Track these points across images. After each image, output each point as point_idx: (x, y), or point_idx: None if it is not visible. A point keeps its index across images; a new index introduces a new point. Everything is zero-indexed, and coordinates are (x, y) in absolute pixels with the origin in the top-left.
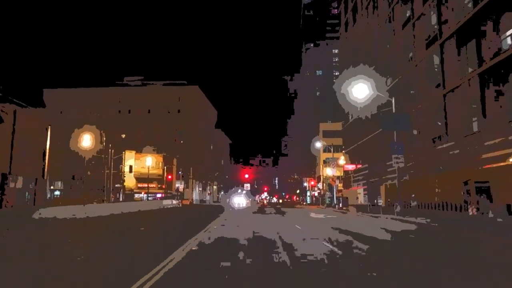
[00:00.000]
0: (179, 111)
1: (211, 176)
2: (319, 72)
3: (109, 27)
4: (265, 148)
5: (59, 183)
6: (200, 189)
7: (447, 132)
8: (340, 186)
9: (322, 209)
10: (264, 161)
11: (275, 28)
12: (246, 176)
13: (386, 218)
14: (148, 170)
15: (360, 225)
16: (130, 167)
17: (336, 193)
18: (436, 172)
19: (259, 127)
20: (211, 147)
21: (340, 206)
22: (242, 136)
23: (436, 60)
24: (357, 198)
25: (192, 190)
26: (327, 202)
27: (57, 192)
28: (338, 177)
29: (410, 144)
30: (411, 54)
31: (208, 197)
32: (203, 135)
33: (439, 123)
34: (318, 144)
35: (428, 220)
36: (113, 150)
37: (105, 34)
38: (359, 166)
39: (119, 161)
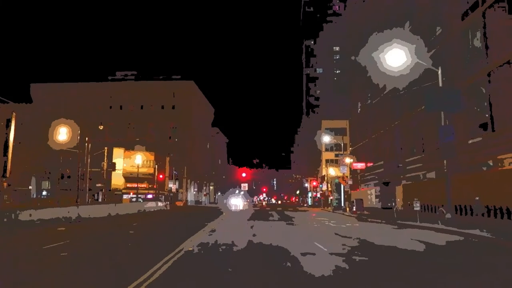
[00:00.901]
0: (173, 107)
1: (207, 176)
2: (319, 70)
3: (101, 21)
4: (265, 149)
5: (47, 183)
6: (196, 189)
7: None
8: (343, 187)
9: (330, 213)
10: (261, 163)
11: (274, 24)
12: (244, 175)
13: (432, 229)
14: (138, 169)
15: (412, 243)
16: (114, 164)
17: (344, 194)
18: (488, 167)
19: (259, 126)
20: (208, 145)
21: (354, 210)
22: (240, 136)
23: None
24: (368, 200)
25: (187, 191)
26: (334, 204)
27: (44, 193)
28: (346, 176)
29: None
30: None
31: (204, 198)
32: (199, 133)
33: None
34: (326, 138)
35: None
36: (89, 144)
37: (97, 28)
38: (370, 164)
39: (106, 158)
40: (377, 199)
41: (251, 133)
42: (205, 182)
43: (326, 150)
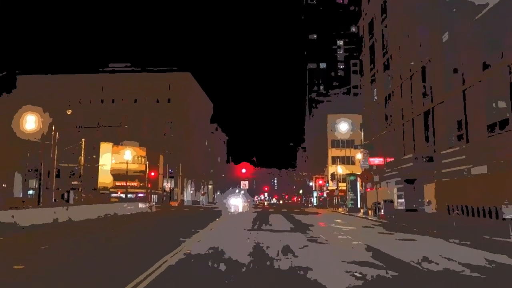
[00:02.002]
0: (169, 100)
1: (205, 174)
2: (322, 65)
3: (93, 9)
4: (266, 147)
5: (34, 181)
6: (193, 189)
7: None
8: (359, 185)
9: (348, 217)
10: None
11: (275, 17)
12: (243, 171)
13: None
14: (127, 166)
15: None
16: (95, 158)
17: (360, 194)
18: None
19: (260, 124)
20: (206, 142)
21: (382, 213)
22: (240, 134)
23: None
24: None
25: (184, 190)
26: (349, 205)
27: (31, 192)
28: (368, 173)
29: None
30: None
31: (202, 198)
32: (197, 128)
33: None
34: (344, 126)
35: None
36: (57, 134)
37: (90, 18)
38: (390, 159)
39: (84, 151)
40: (399, 200)
41: (251, 131)
42: (203, 180)
43: (333, 147)
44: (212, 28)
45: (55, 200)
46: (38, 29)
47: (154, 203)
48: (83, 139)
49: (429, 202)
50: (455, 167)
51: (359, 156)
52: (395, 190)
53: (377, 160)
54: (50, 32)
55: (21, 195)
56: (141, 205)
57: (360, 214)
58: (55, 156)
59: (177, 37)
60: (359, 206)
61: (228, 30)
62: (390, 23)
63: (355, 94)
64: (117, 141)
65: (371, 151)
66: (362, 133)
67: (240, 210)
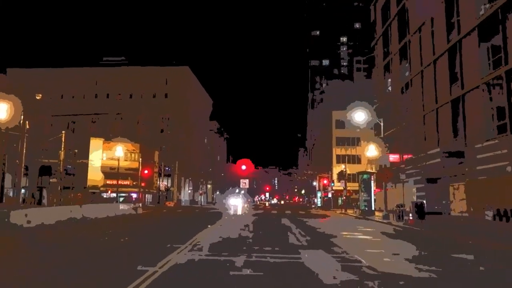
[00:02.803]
0: (166, 95)
1: (204, 173)
2: (325, 62)
3: (88, 2)
4: (267, 147)
5: (25, 179)
6: (191, 188)
7: None
8: (373, 185)
9: (365, 222)
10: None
11: (277, 13)
12: (243, 167)
13: None
14: (118, 163)
15: None
16: (86, 155)
17: (373, 194)
18: None
19: (261, 123)
20: (205, 140)
21: (410, 218)
22: (241, 133)
23: None
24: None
25: (181, 189)
26: (363, 207)
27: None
28: (388, 171)
29: None
30: None
31: (200, 198)
32: (195, 125)
33: None
34: (360, 116)
35: None
36: (27, 123)
37: (84, 10)
38: (407, 156)
39: (64, 145)
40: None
41: (252, 130)
42: (201, 180)
43: (338, 145)
44: (213, 23)
45: (23, 200)
46: (30, 22)
47: (140, 205)
48: (63, 132)
49: (454, 204)
50: (493, 163)
51: (370, 153)
52: (414, 190)
53: (392, 157)
54: (43, 25)
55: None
56: (123, 206)
57: (377, 217)
58: (24, 149)
59: (176, 32)
60: (373, 208)
61: (229, 25)
62: (410, 2)
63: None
64: (112, 138)
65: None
66: (382, 124)
67: (239, 212)
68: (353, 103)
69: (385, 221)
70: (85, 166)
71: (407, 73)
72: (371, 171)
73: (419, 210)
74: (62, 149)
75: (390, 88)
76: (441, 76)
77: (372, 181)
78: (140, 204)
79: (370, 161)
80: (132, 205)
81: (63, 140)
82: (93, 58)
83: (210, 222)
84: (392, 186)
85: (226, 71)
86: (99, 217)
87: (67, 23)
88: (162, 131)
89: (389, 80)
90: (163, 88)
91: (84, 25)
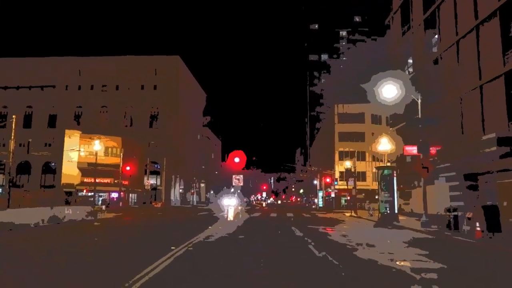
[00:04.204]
0: (155, 87)
1: (197, 171)
2: (324, 57)
3: None
4: (263, 145)
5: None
6: (182, 187)
7: None
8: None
9: (401, 232)
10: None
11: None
12: (237, 160)
13: None
14: (96, 158)
15: None
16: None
17: (396, 194)
18: None
19: (256, 121)
20: (198, 136)
21: (477, 228)
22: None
23: None
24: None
25: (173, 188)
26: (383, 210)
27: None
28: (428, 162)
29: None
30: None
31: (192, 197)
32: (187, 120)
33: None
34: (391, 90)
35: None
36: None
37: None
38: (436, 148)
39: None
40: (453, 203)
41: (248, 127)
42: (194, 178)
43: (341, 140)
44: (209, 16)
45: None
46: (8, 8)
47: (104, 207)
48: (14, 116)
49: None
50: None
51: (382, 147)
52: (446, 189)
53: (414, 149)
54: (22, 12)
55: None
56: (69, 210)
57: (410, 224)
58: None
59: (168, 23)
60: (396, 211)
61: (225, 18)
62: None
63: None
64: (98, 133)
65: (404, 138)
66: (419, 101)
67: (231, 218)
68: (380, 74)
69: (424, 229)
70: (59, 162)
71: (434, 49)
72: (390, 165)
73: (492, 216)
74: (12, 138)
75: (411, 69)
76: (487, 44)
77: (394, 178)
78: (104, 207)
79: (377, 156)
80: (90, 208)
81: (13, 127)
82: (76, 47)
83: (189, 235)
84: (413, 185)
85: (221, 65)
86: (32, 224)
87: (48, 9)
88: (151, 125)
89: (410, 59)
90: (152, 79)
91: (67, 12)
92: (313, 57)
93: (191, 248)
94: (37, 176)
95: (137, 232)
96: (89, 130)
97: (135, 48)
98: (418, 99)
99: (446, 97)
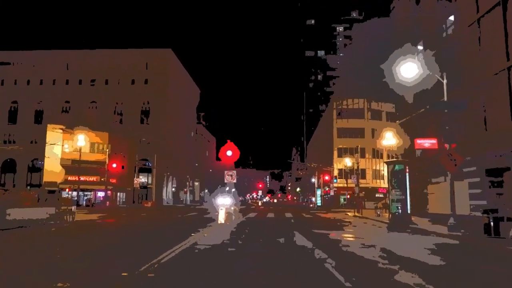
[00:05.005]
0: (146, 81)
1: (190, 169)
2: (320, 53)
3: None
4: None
5: None
6: (175, 186)
7: None
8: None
9: (428, 239)
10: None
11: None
12: (229, 153)
13: None
14: (80, 154)
15: None
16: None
17: (409, 192)
18: None
19: (252, 119)
20: (192, 133)
21: None
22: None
23: None
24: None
25: (163, 187)
26: (394, 210)
27: None
28: (456, 154)
29: None
30: None
31: (185, 196)
32: (180, 116)
33: None
34: (412, 69)
35: None
36: None
37: None
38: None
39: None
40: (472, 202)
41: (243, 125)
42: (187, 176)
43: (340, 136)
44: (204, 11)
45: None
46: None
47: (74, 207)
48: None
49: None
50: None
51: (386, 142)
52: (465, 187)
53: (428, 143)
54: (8, 3)
55: None
56: (19, 212)
57: (430, 226)
58: None
59: (163, 20)
60: (408, 211)
61: (220, 15)
62: None
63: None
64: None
65: (410, 132)
66: (445, 81)
67: (222, 221)
68: (400, 50)
69: (453, 233)
70: (37, 158)
71: (450, 30)
72: (401, 160)
73: None
74: None
75: (420, 47)
76: None
77: (407, 174)
78: (74, 207)
79: (381, 152)
80: (53, 209)
81: None
82: (64, 40)
83: (162, 248)
84: (429, 181)
85: (216, 62)
86: None
87: (35, 1)
88: (142, 121)
89: (420, 47)
90: (143, 73)
91: (54, 3)
92: (309, 53)
93: (152, 275)
94: (23, 175)
95: (90, 244)
96: (77, 127)
97: (126, 41)
98: (443, 79)
99: (465, 82)
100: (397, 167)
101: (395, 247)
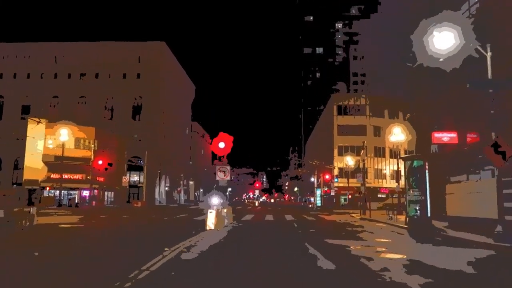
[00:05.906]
0: (138, 75)
1: (184, 168)
2: (319, 50)
3: None
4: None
5: None
6: (168, 185)
7: None
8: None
9: (474, 253)
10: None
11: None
12: (222, 145)
13: None
14: (63, 151)
15: None
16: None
17: (429, 192)
18: None
19: (248, 118)
20: (187, 131)
21: None
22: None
23: None
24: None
25: (156, 186)
26: (412, 212)
27: None
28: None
29: None
30: None
31: (179, 196)
32: (174, 112)
33: None
34: (448, 39)
35: None
36: None
37: None
38: (471, 135)
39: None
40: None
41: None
42: (181, 175)
43: (340, 134)
44: (202, 9)
45: None
46: None
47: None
48: None
49: None
50: None
51: (394, 138)
52: (481, 187)
53: (446, 137)
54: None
55: None
56: None
57: (462, 234)
58: None
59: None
60: (429, 214)
61: (218, 11)
62: None
63: (355, 83)
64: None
65: (418, 128)
66: (489, 55)
67: (211, 226)
68: (433, 18)
69: (507, 244)
70: (21, 156)
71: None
72: (419, 155)
73: None
74: None
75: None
76: None
77: (426, 171)
78: (33, 209)
79: (384, 149)
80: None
81: None
82: (52, 31)
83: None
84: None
85: (213, 59)
86: None
87: None
88: (134, 117)
89: (431, 27)
90: (135, 67)
91: None
92: (307, 50)
93: None
94: (9, 173)
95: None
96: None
97: (118, 34)
98: (487, 53)
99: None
100: (415, 163)
101: (446, 264)
